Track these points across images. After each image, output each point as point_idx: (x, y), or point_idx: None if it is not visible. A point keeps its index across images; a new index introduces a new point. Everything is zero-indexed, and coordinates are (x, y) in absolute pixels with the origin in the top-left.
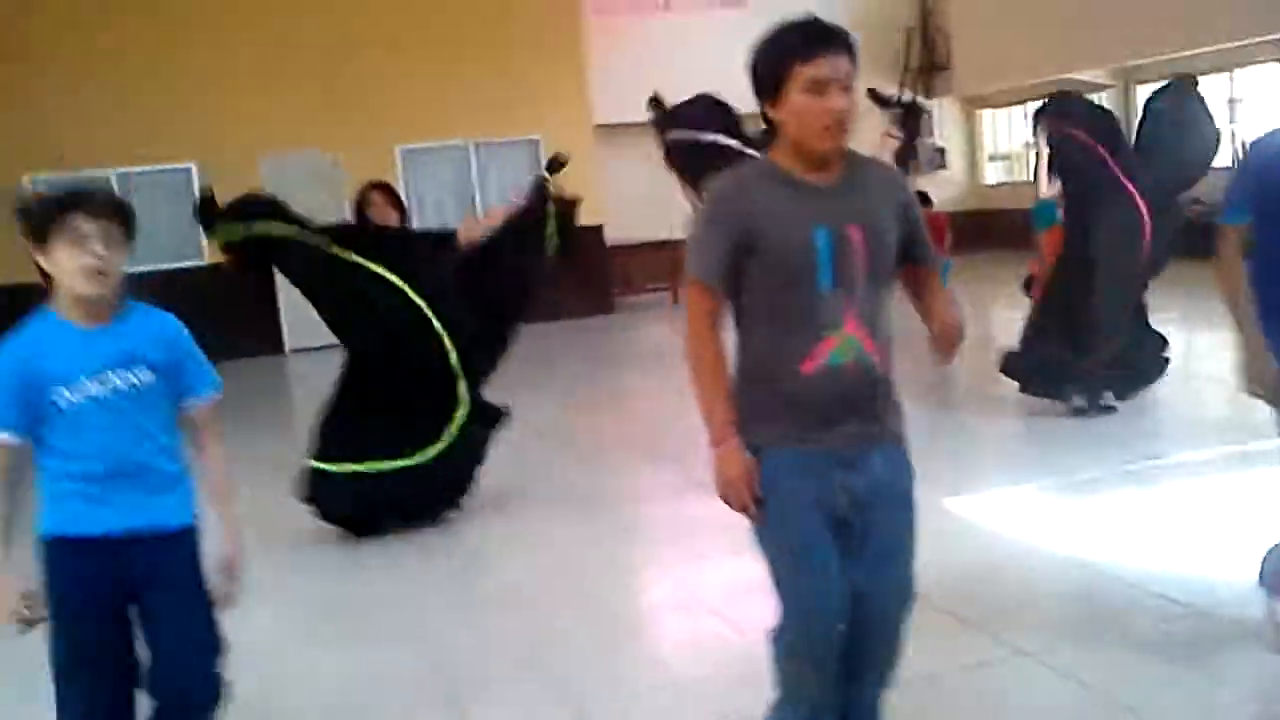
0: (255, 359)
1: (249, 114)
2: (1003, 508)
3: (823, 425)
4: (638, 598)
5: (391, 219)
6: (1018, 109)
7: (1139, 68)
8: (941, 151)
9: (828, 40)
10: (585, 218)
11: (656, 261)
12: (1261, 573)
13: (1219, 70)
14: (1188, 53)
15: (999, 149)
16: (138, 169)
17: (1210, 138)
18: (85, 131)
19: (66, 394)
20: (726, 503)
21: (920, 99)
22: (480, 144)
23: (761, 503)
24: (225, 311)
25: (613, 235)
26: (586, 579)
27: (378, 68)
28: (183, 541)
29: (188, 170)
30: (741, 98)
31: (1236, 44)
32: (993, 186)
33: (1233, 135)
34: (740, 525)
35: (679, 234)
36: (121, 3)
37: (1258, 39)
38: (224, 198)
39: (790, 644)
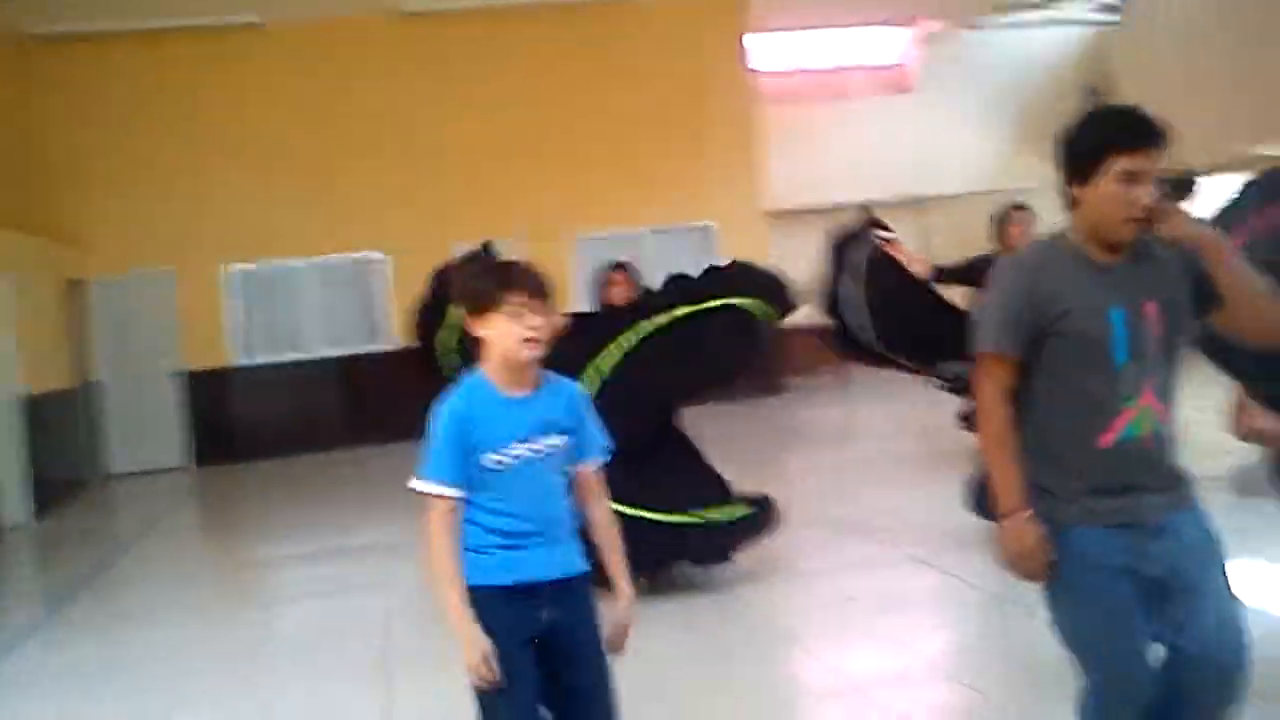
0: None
1: (434, 205)
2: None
3: (1121, 494)
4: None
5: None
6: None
7: None
8: None
9: (1149, 134)
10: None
11: (822, 344)
12: None
13: None
14: None
15: None
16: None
17: None
18: (277, 222)
19: (495, 457)
20: (1014, 572)
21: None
22: (654, 230)
23: (1056, 571)
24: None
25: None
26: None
27: (555, 157)
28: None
29: (381, 259)
30: (905, 176)
31: None
32: None
33: None
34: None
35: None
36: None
37: None
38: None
39: (1102, 710)
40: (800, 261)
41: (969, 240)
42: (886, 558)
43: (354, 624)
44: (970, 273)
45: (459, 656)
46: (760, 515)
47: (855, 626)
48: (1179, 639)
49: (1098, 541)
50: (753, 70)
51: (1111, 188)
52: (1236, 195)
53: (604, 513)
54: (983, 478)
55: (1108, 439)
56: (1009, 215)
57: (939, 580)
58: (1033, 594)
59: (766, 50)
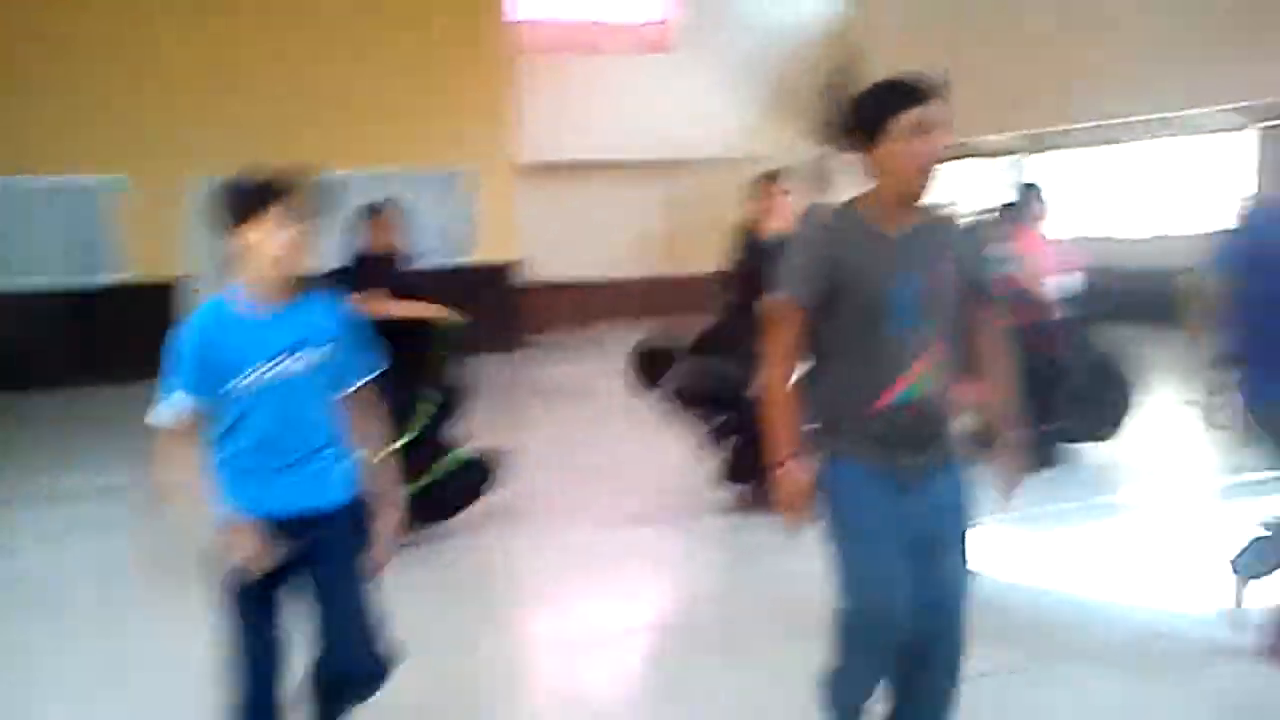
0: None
1: (169, 134)
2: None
3: (893, 452)
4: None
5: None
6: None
7: (1043, 135)
8: None
9: (931, 89)
10: (504, 253)
11: (573, 301)
12: (1236, 561)
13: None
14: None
15: None
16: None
17: None
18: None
19: (243, 380)
20: (786, 514)
21: (837, 154)
22: (404, 174)
23: (830, 501)
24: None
25: (530, 274)
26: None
27: (309, 94)
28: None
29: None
30: (663, 139)
31: None
32: None
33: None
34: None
35: (596, 273)
36: None
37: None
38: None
39: (853, 638)
40: (548, 215)
41: (717, 206)
42: (629, 508)
43: (83, 569)
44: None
45: (191, 598)
46: (483, 466)
47: (601, 577)
48: (919, 589)
49: (865, 482)
50: (511, 18)
51: (903, 142)
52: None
53: (376, 431)
54: (737, 448)
55: (887, 399)
56: (765, 185)
57: (679, 533)
58: (770, 541)
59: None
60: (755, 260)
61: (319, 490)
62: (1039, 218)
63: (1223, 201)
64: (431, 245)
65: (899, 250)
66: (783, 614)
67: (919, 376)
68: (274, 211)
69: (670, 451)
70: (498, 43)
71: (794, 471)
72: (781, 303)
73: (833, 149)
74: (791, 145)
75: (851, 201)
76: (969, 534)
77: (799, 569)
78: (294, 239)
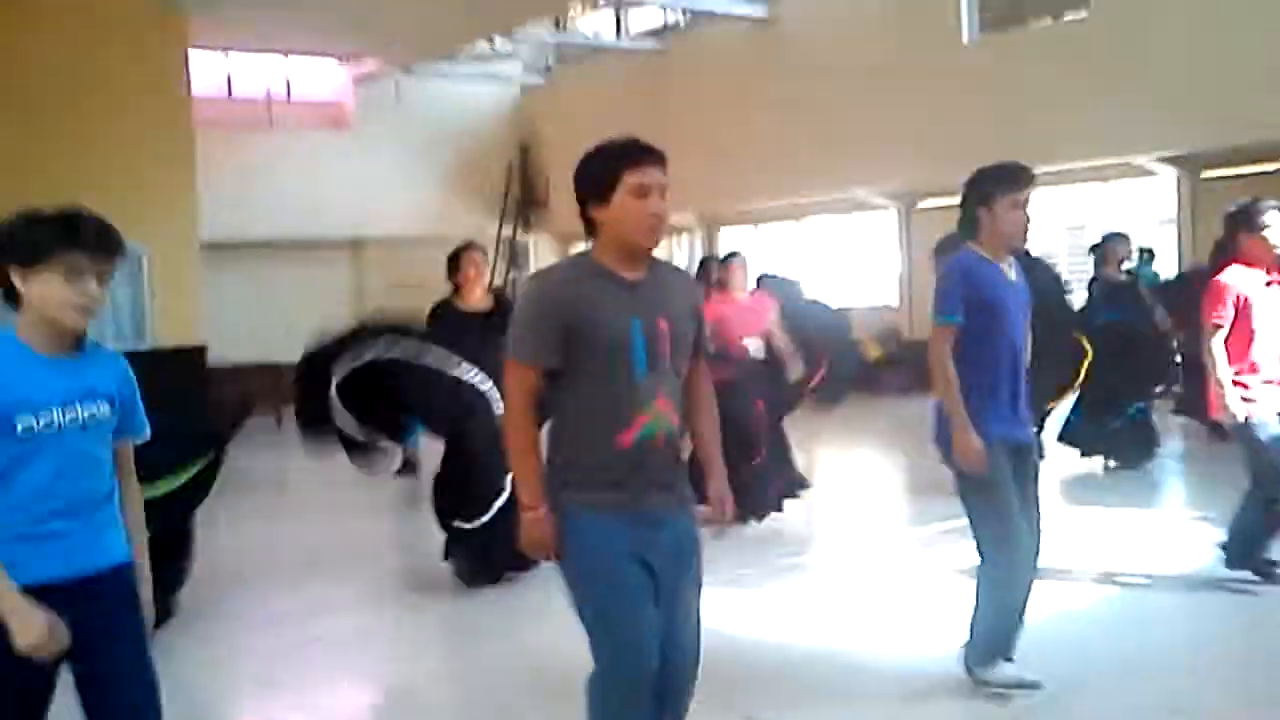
0: None
1: None
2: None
3: (634, 494)
4: None
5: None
6: None
7: (719, 213)
8: None
9: (650, 153)
10: (186, 338)
11: (260, 384)
12: (967, 665)
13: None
14: (765, 203)
15: None
16: None
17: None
18: None
19: (29, 420)
20: (533, 555)
21: (521, 232)
22: None
23: (571, 556)
24: None
25: (215, 357)
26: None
27: None
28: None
29: None
30: (348, 218)
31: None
32: None
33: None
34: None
35: (283, 358)
36: None
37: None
38: None
39: (611, 684)
40: (233, 296)
41: (402, 281)
42: (346, 596)
43: None
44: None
45: None
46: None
47: (325, 665)
48: (668, 627)
49: (608, 528)
50: (187, 93)
51: (627, 201)
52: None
53: (135, 493)
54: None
55: (628, 438)
56: (464, 256)
57: (399, 613)
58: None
59: (201, 72)
60: (457, 330)
61: (102, 548)
62: (737, 283)
63: (877, 274)
64: (114, 329)
65: (637, 294)
66: (525, 683)
67: (658, 415)
68: (60, 259)
69: (383, 534)
70: (177, 118)
71: (540, 518)
72: (513, 363)
73: (519, 225)
74: (477, 222)
75: (585, 253)
76: (700, 581)
77: (533, 640)
78: (83, 290)
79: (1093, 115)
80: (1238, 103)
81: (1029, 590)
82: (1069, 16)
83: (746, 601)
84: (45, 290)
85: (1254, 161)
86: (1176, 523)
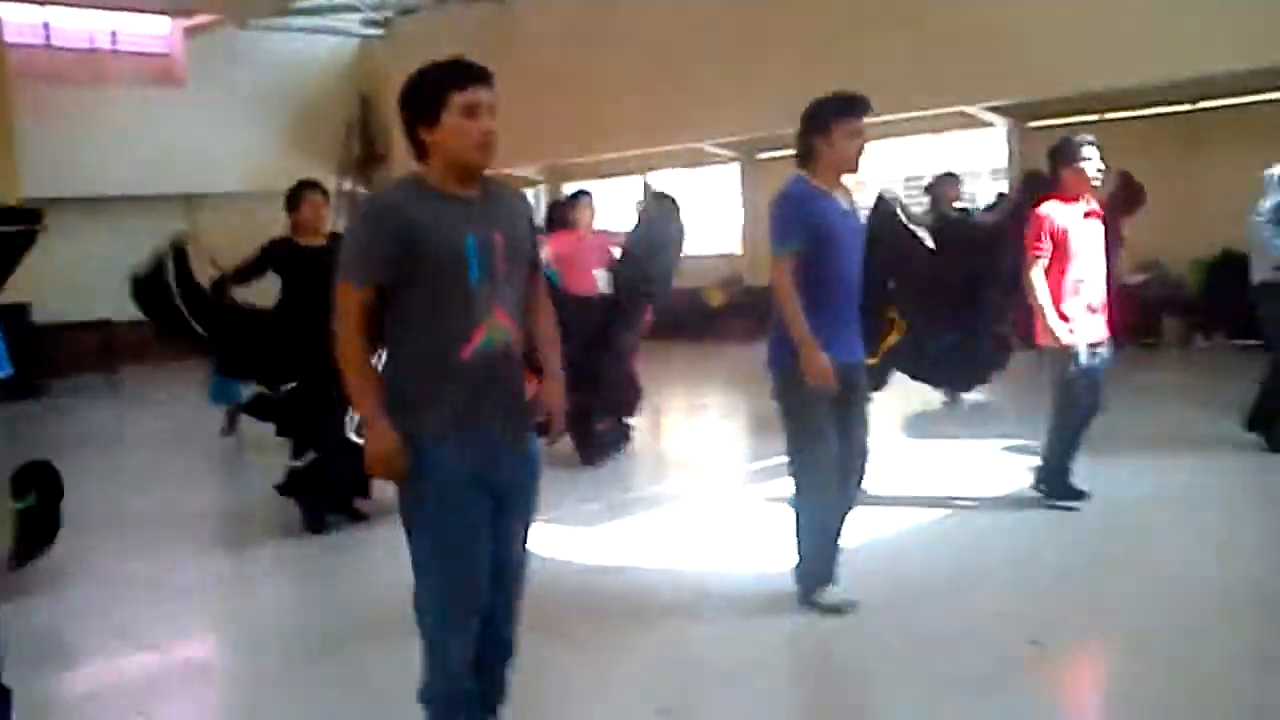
0: None
1: None
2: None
3: (479, 407)
4: None
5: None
6: None
7: (563, 166)
8: None
9: (476, 72)
10: (14, 294)
11: (90, 342)
12: (800, 595)
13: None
14: (610, 155)
15: None
16: None
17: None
18: None
19: None
20: (378, 474)
21: (361, 187)
22: None
23: (413, 478)
24: None
25: (41, 315)
26: None
27: None
28: None
29: None
30: (176, 171)
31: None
32: None
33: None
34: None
35: (114, 315)
36: None
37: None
38: None
39: (441, 614)
40: (62, 254)
41: (243, 239)
42: (189, 546)
43: None
44: (261, 263)
45: None
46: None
47: (175, 611)
48: (498, 549)
49: (450, 453)
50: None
51: (456, 121)
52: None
53: None
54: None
55: (467, 350)
56: (304, 195)
57: (235, 566)
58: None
59: (17, 21)
60: (294, 265)
61: None
62: (585, 222)
63: (717, 225)
64: None
65: (471, 210)
66: (370, 620)
67: (495, 326)
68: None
69: (221, 486)
70: None
71: (384, 432)
72: (345, 285)
73: (359, 179)
74: (316, 177)
75: (418, 175)
76: (536, 505)
77: (377, 577)
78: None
79: (925, 67)
80: (1062, 56)
81: (846, 512)
82: None
83: (590, 536)
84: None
85: (1078, 112)
86: (1003, 450)
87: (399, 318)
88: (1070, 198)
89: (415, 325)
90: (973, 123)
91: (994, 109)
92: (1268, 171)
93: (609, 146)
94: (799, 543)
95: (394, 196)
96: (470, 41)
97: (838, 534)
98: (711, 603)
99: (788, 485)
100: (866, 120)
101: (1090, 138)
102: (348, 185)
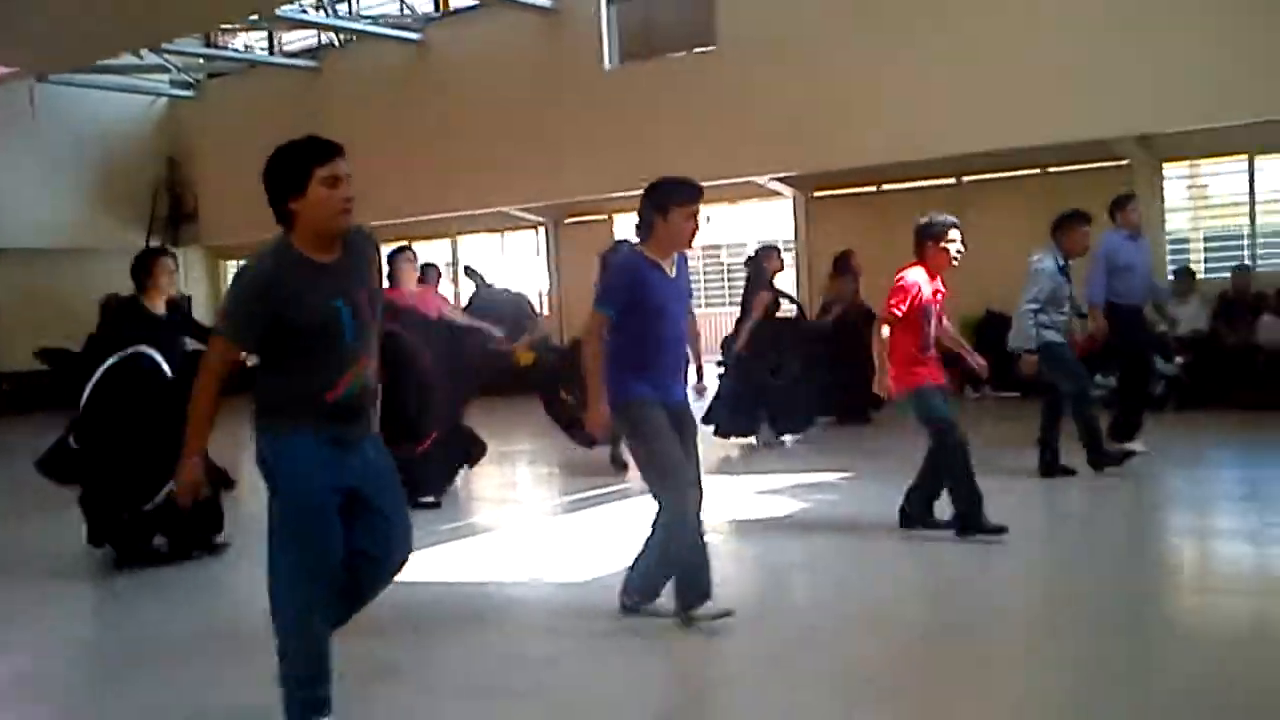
0: None
1: None
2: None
3: (336, 427)
4: None
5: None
6: None
7: (373, 229)
8: (189, 299)
9: (335, 147)
10: None
11: None
12: (624, 594)
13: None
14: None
15: None
16: None
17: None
18: None
19: None
20: (186, 496)
21: (169, 246)
22: None
23: (279, 474)
24: None
25: None
26: None
27: None
28: None
29: None
30: None
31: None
32: None
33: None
34: None
35: None
36: None
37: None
38: None
39: (301, 595)
40: None
41: (41, 295)
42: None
43: None
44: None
45: None
46: None
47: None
48: (364, 542)
49: (309, 449)
50: None
51: (321, 192)
52: None
53: None
54: (54, 446)
55: (334, 395)
56: (158, 262)
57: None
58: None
59: None
60: (144, 328)
61: None
62: (406, 278)
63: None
64: None
65: (337, 275)
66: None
67: (359, 373)
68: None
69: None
70: None
71: (195, 463)
72: (220, 339)
73: (167, 238)
74: (123, 235)
75: (285, 242)
76: (399, 494)
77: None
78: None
79: (718, 140)
80: (843, 131)
81: (697, 531)
82: (699, 49)
83: (422, 559)
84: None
85: (857, 185)
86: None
87: (270, 368)
88: (933, 270)
89: (287, 377)
90: (764, 192)
91: (780, 179)
92: (1032, 258)
93: (417, 209)
94: (645, 552)
95: (265, 265)
96: (281, 105)
97: (691, 549)
98: (524, 610)
99: (604, 513)
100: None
101: (954, 220)
102: (155, 242)
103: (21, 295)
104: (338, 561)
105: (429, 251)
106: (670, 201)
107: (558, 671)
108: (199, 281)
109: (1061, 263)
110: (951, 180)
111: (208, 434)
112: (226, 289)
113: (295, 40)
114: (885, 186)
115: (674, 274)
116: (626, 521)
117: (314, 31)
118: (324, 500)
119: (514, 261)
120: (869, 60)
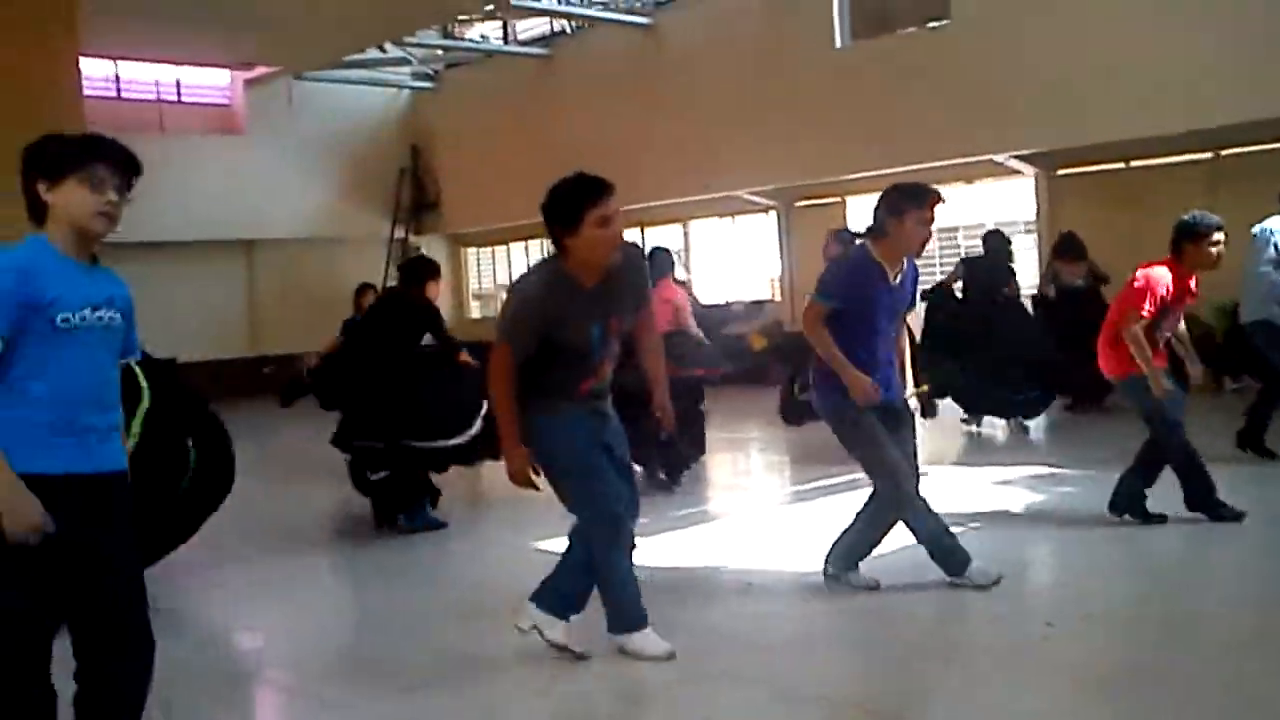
0: None
1: None
2: None
3: (590, 405)
4: None
5: None
6: (500, 248)
7: None
8: None
9: (607, 187)
10: None
11: None
12: (826, 573)
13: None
14: (651, 204)
15: (482, 287)
16: None
17: None
18: None
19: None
20: (516, 482)
21: (411, 235)
22: None
23: (550, 450)
24: None
25: None
26: None
27: None
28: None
29: None
30: (235, 218)
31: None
32: (476, 321)
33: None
34: None
35: (183, 356)
36: None
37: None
38: None
39: (604, 531)
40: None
41: (295, 283)
42: (253, 549)
43: None
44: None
45: None
46: None
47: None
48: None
49: (574, 420)
50: (77, 97)
51: (595, 232)
52: None
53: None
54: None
55: (585, 388)
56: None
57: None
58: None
59: (90, 74)
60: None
61: (115, 450)
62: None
63: (754, 272)
64: None
65: (597, 300)
66: (458, 619)
67: (601, 378)
68: (87, 173)
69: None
70: (68, 122)
71: (519, 452)
72: (504, 346)
73: (411, 227)
74: (370, 224)
75: (558, 266)
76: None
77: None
78: (106, 199)
79: (954, 117)
80: (1086, 104)
81: (906, 508)
82: (932, 24)
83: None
84: (70, 198)
85: (1103, 161)
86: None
87: (542, 366)
88: (1188, 272)
89: (553, 371)
90: (1003, 171)
91: (1022, 157)
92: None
93: (649, 195)
94: (855, 525)
95: (543, 285)
96: (515, 94)
97: (890, 526)
98: (764, 581)
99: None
100: (897, 169)
101: (1219, 221)
102: (400, 233)
103: (280, 282)
104: (624, 503)
105: (660, 237)
106: (907, 206)
107: (781, 658)
108: (443, 267)
109: None
110: (1208, 155)
111: (512, 425)
112: (504, 301)
113: (528, 29)
114: (1134, 163)
115: (898, 281)
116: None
117: (546, 19)
118: (597, 460)
119: (745, 246)
120: (1111, 29)
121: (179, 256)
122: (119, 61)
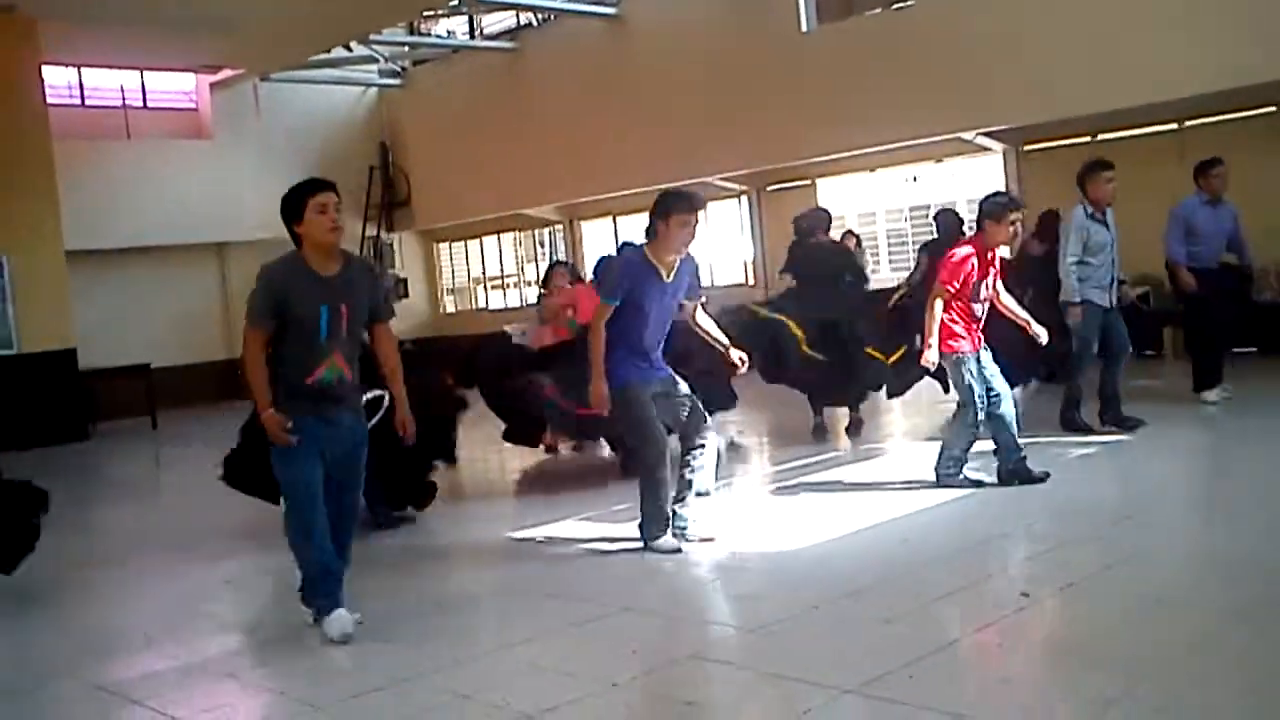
0: None
1: None
2: (564, 532)
3: (317, 404)
4: None
5: None
6: (472, 242)
7: (578, 206)
8: (404, 282)
9: (326, 184)
10: (56, 343)
11: (131, 387)
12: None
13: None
14: (621, 193)
15: (455, 282)
16: None
17: None
18: None
19: None
20: (275, 440)
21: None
22: None
23: (290, 434)
24: None
25: (86, 361)
26: None
27: None
28: None
29: None
30: (204, 221)
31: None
32: (450, 315)
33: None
34: None
35: (152, 360)
36: None
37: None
38: None
39: (296, 529)
40: (101, 302)
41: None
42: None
43: None
44: None
45: None
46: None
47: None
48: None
49: (301, 429)
50: (42, 104)
51: (314, 217)
52: None
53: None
54: (232, 455)
55: (311, 379)
56: None
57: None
58: None
59: (53, 81)
60: None
61: None
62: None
63: (727, 256)
64: None
65: (328, 286)
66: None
67: (332, 366)
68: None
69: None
70: (33, 127)
71: (274, 414)
72: (249, 327)
73: (383, 224)
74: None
75: (298, 254)
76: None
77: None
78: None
79: (921, 96)
80: (1049, 80)
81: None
82: (897, 6)
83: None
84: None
85: (1070, 136)
86: None
87: (280, 349)
88: (988, 248)
89: (285, 357)
90: (970, 148)
91: (989, 134)
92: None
93: (621, 183)
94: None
95: (280, 270)
96: (483, 88)
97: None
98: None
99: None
100: (865, 149)
101: (1014, 200)
102: (372, 231)
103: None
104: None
105: (633, 226)
106: (670, 210)
107: (764, 640)
108: (416, 263)
109: (1089, 211)
110: (1173, 126)
111: (264, 394)
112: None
113: (494, 23)
114: (1101, 136)
115: (672, 277)
116: (838, 489)
117: (512, 13)
118: (311, 470)
119: (717, 231)
120: (1074, 5)
121: (151, 261)
122: (82, 69)
